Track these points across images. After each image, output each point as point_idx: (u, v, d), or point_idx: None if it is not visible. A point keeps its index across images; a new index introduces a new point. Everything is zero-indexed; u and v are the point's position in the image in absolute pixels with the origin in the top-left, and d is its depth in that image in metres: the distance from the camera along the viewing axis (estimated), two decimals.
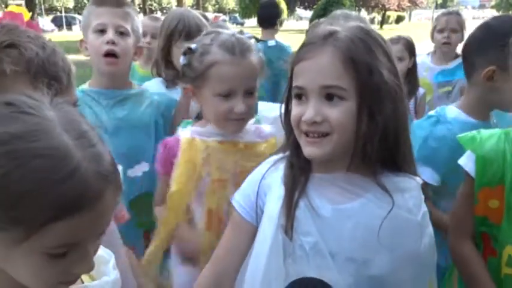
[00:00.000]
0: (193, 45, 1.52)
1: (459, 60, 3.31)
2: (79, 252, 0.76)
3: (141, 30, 1.98)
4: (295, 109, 1.09)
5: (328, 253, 1.04)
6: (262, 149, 1.55)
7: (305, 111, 1.05)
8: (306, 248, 1.05)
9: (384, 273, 1.04)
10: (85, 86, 1.94)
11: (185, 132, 1.58)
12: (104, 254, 0.99)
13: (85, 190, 0.70)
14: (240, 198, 1.22)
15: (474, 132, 1.41)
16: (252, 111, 1.53)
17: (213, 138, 1.55)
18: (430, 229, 1.10)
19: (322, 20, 2.05)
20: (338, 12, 2.05)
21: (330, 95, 1.03)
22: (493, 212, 1.34)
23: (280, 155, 1.21)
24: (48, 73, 1.10)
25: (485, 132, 1.39)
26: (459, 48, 3.39)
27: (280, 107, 1.18)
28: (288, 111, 1.15)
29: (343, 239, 1.04)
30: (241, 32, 1.58)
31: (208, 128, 1.57)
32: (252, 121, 1.63)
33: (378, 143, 1.04)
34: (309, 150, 1.07)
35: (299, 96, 1.08)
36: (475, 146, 1.36)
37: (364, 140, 1.03)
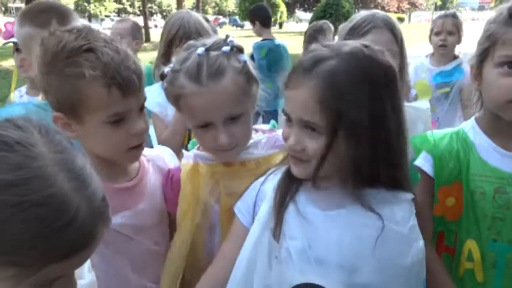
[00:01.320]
0: (166, 69, 1.31)
1: (457, 61, 3.36)
2: (65, 282, 0.76)
3: None
4: (284, 129, 1.14)
5: (313, 259, 1.06)
6: (279, 161, 1.31)
7: (290, 135, 1.10)
8: (291, 251, 1.07)
9: (372, 282, 1.04)
10: None
11: (188, 157, 1.41)
12: None
13: (82, 234, 0.71)
14: (241, 205, 1.25)
15: (427, 133, 1.47)
16: (241, 138, 1.32)
17: (219, 161, 1.37)
18: (419, 244, 1.10)
19: (320, 22, 1.97)
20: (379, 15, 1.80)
21: (310, 127, 1.06)
22: (450, 210, 1.40)
23: (281, 165, 1.24)
24: (122, 77, 1.17)
25: (437, 133, 1.45)
26: (457, 50, 3.43)
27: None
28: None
29: (331, 246, 1.06)
30: (224, 42, 1.29)
31: None
32: (266, 127, 1.50)
33: (367, 164, 1.06)
34: (293, 169, 1.14)
35: (288, 118, 1.12)
36: (430, 147, 1.42)
37: (351, 163, 1.06)
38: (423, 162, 1.43)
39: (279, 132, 1.39)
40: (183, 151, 1.47)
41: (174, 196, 1.40)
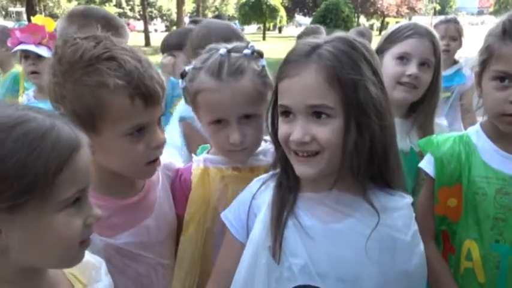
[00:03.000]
0: (187, 68, 1.36)
1: (457, 66, 3.37)
2: (85, 202, 0.87)
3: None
4: (283, 127, 1.07)
5: (316, 274, 1.03)
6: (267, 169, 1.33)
7: (293, 130, 1.03)
8: (294, 269, 1.04)
9: None
10: None
11: (198, 161, 1.42)
12: (94, 262, 1.02)
13: (68, 139, 0.82)
14: (232, 217, 1.19)
15: (432, 136, 1.52)
16: (252, 140, 1.33)
17: (228, 165, 1.38)
18: (420, 248, 1.10)
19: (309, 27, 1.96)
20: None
21: (317, 113, 1.02)
22: (452, 211, 1.42)
23: (271, 173, 1.20)
24: (147, 86, 1.13)
25: (441, 136, 1.49)
26: (457, 55, 3.44)
27: (267, 122, 1.16)
28: (274, 126, 1.14)
29: (333, 259, 1.04)
30: (245, 46, 1.34)
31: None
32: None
33: (366, 159, 1.04)
34: (300, 169, 1.06)
35: (286, 114, 1.06)
36: (433, 149, 1.45)
37: (352, 156, 1.03)
38: (426, 164, 1.46)
39: None
40: (193, 155, 1.48)
41: (182, 196, 1.40)
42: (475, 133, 1.44)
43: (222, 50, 1.31)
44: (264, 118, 1.26)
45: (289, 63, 1.06)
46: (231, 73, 1.27)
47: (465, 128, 3.34)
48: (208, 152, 1.46)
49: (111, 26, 1.84)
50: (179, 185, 1.43)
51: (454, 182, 1.40)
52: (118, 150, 1.17)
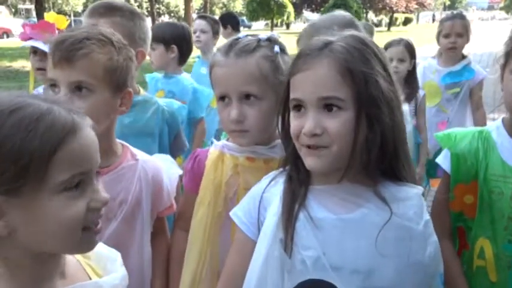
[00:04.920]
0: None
1: (466, 61, 3.35)
2: (89, 186, 0.87)
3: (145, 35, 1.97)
4: (294, 122, 1.08)
5: (330, 267, 1.02)
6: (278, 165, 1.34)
7: (304, 123, 1.04)
8: (307, 262, 1.03)
9: (389, 284, 1.02)
10: None
11: (216, 146, 1.45)
12: (110, 254, 1.05)
13: (64, 122, 0.84)
14: (242, 215, 1.19)
15: (450, 130, 1.49)
16: (253, 123, 1.34)
17: (243, 154, 1.39)
18: (434, 238, 1.09)
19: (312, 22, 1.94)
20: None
21: (328, 106, 1.02)
22: (468, 207, 1.40)
23: (280, 170, 1.20)
24: (66, 46, 1.30)
25: (460, 131, 1.47)
26: (466, 50, 3.41)
27: (278, 118, 1.17)
28: (284, 123, 1.14)
29: (346, 251, 1.03)
30: (269, 37, 1.39)
31: None
32: None
33: (377, 152, 1.03)
34: (310, 161, 1.06)
35: (298, 108, 1.07)
36: (450, 144, 1.43)
37: (362, 149, 1.03)
38: (443, 159, 1.44)
39: None
40: (213, 140, 1.50)
41: (196, 176, 1.43)
42: (496, 129, 1.41)
43: (242, 34, 1.39)
44: (273, 104, 1.30)
45: (302, 58, 1.07)
46: (238, 51, 1.33)
47: (475, 124, 3.32)
48: (228, 139, 1.48)
49: (134, 14, 1.91)
50: (193, 165, 1.46)
51: (471, 179, 1.38)
52: None
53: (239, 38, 1.38)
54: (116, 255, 1.06)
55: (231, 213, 1.21)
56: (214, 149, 1.43)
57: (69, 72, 1.31)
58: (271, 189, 1.16)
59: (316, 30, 1.63)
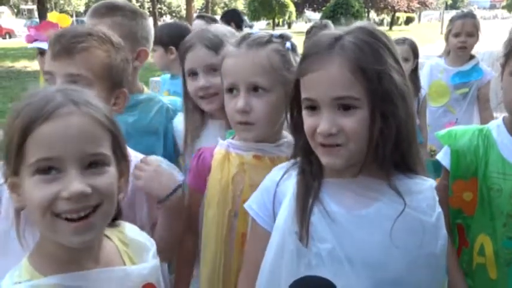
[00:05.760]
0: None
1: (474, 61, 3.32)
2: (66, 175, 0.87)
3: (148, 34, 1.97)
4: (308, 120, 1.07)
5: (344, 258, 1.03)
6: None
7: (319, 122, 1.04)
8: (322, 254, 1.04)
9: (401, 275, 1.03)
10: None
11: (221, 145, 1.44)
12: (146, 242, 1.10)
13: (44, 105, 0.89)
14: (257, 207, 1.19)
15: (451, 128, 1.51)
16: (259, 115, 1.34)
17: (250, 152, 1.39)
18: (444, 231, 1.10)
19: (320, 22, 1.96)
20: None
21: (343, 105, 1.02)
22: (467, 205, 1.41)
23: (292, 161, 1.20)
24: (66, 39, 1.34)
25: (460, 128, 1.49)
26: (474, 50, 3.39)
27: (286, 115, 1.18)
28: (293, 118, 1.15)
29: (359, 244, 1.04)
30: (281, 34, 1.41)
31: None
32: None
33: (392, 147, 1.04)
34: (327, 160, 1.07)
35: (311, 107, 1.07)
36: (451, 141, 1.45)
37: (378, 144, 1.03)
38: (443, 156, 1.46)
39: None
40: (219, 139, 1.49)
41: (200, 173, 1.44)
42: (496, 127, 1.43)
43: (254, 29, 1.42)
44: (281, 99, 1.32)
45: (312, 57, 1.06)
46: (251, 42, 1.36)
47: (483, 124, 3.30)
48: (233, 138, 1.48)
49: (136, 13, 1.92)
50: (197, 162, 1.47)
51: (470, 175, 1.40)
52: None
53: (252, 32, 1.40)
54: (151, 245, 1.10)
55: (245, 205, 1.22)
56: (219, 148, 1.43)
57: (67, 65, 1.32)
58: (285, 182, 1.16)
59: None
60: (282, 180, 1.17)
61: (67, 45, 1.31)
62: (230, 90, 1.37)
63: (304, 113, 1.09)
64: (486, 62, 3.44)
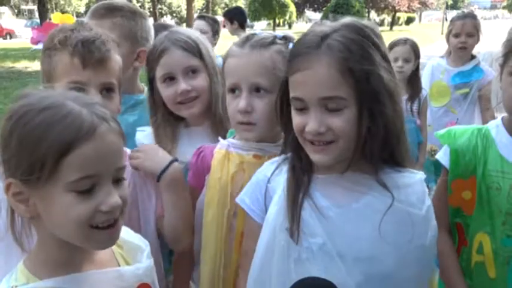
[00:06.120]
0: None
1: (475, 61, 3.33)
2: (102, 190, 0.91)
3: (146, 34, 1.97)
4: (297, 118, 1.08)
5: (335, 253, 1.04)
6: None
7: (307, 121, 1.05)
8: (313, 249, 1.05)
9: (392, 269, 1.04)
10: None
11: (222, 144, 1.44)
12: (141, 244, 1.11)
13: (81, 123, 0.89)
14: (249, 201, 1.20)
15: (450, 127, 1.52)
16: (261, 115, 1.34)
17: (250, 152, 1.39)
18: (434, 222, 1.11)
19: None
20: None
21: (330, 105, 1.03)
22: (466, 203, 1.42)
23: (283, 157, 1.21)
24: (84, 46, 1.31)
25: (459, 128, 1.50)
26: (475, 50, 3.40)
27: (277, 110, 1.19)
28: (283, 114, 1.16)
29: (350, 239, 1.05)
30: (285, 36, 1.41)
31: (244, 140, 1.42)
32: None
33: (380, 143, 1.05)
34: (317, 157, 1.08)
35: (299, 106, 1.07)
36: (450, 140, 1.46)
37: (366, 140, 1.04)
38: (442, 155, 1.47)
39: None
40: (220, 138, 1.49)
41: (199, 171, 1.44)
42: (495, 127, 1.44)
43: (258, 30, 1.42)
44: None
45: (300, 56, 1.06)
46: (253, 44, 1.35)
47: (483, 124, 3.30)
48: (234, 138, 1.48)
49: (136, 14, 1.91)
50: (197, 160, 1.47)
51: (469, 174, 1.40)
52: None
53: (256, 33, 1.40)
54: (145, 246, 1.11)
55: (237, 199, 1.23)
56: (220, 148, 1.43)
57: (101, 74, 1.32)
58: (276, 177, 1.17)
59: None
60: (273, 176, 1.18)
61: (100, 54, 1.30)
62: (232, 90, 1.37)
63: (293, 111, 1.09)
64: (487, 62, 3.45)
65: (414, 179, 1.11)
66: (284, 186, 1.13)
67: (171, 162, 1.41)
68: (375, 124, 1.03)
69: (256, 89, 1.34)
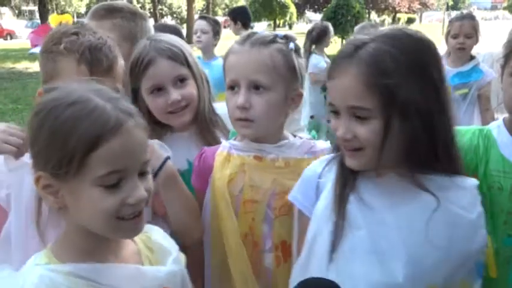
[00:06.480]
0: None
1: (474, 61, 3.35)
2: (129, 183, 0.93)
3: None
4: (333, 122, 1.13)
5: (376, 250, 1.06)
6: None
7: (338, 126, 1.09)
8: (356, 242, 1.07)
9: (435, 272, 1.05)
10: None
11: (224, 146, 1.45)
12: (169, 248, 1.12)
13: (107, 119, 0.90)
14: (301, 198, 1.24)
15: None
16: (259, 113, 1.34)
17: (250, 153, 1.40)
18: (483, 231, 1.10)
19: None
20: None
21: (356, 114, 1.05)
22: None
23: (334, 154, 1.24)
24: (92, 54, 1.29)
25: (462, 128, 1.48)
26: (473, 50, 3.41)
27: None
28: None
29: (393, 239, 1.06)
30: (286, 35, 1.41)
31: (245, 141, 1.43)
32: (307, 136, 1.55)
33: (414, 151, 1.06)
34: (348, 161, 1.13)
35: (334, 111, 1.11)
36: None
37: (399, 148, 1.06)
38: None
39: (318, 142, 1.48)
40: (222, 140, 1.49)
41: (201, 172, 1.45)
42: (497, 128, 1.45)
43: (260, 29, 1.41)
44: (281, 99, 1.34)
45: (333, 64, 1.11)
46: (254, 42, 1.36)
47: (483, 125, 3.31)
48: (235, 139, 1.48)
49: (136, 15, 1.92)
50: (199, 162, 1.48)
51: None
52: None
53: (257, 32, 1.41)
54: (174, 251, 1.12)
55: (290, 197, 1.26)
56: (221, 150, 1.44)
57: (107, 80, 1.31)
58: (327, 174, 1.21)
59: None
60: (324, 173, 1.22)
61: (109, 61, 1.30)
62: (232, 87, 1.37)
63: (331, 114, 1.14)
64: (487, 63, 3.46)
65: (466, 183, 1.12)
66: (333, 182, 1.17)
67: (164, 161, 1.40)
68: (403, 135, 1.04)
69: (255, 86, 1.34)
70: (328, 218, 1.12)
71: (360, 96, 1.03)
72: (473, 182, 1.13)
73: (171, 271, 1.06)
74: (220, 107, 1.64)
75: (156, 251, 1.10)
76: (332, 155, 1.25)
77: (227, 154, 1.42)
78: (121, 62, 1.37)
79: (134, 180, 0.95)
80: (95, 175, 0.90)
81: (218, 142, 1.54)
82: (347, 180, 1.15)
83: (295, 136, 1.50)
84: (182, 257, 1.14)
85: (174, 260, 1.09)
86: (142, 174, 0.97)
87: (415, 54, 1.05)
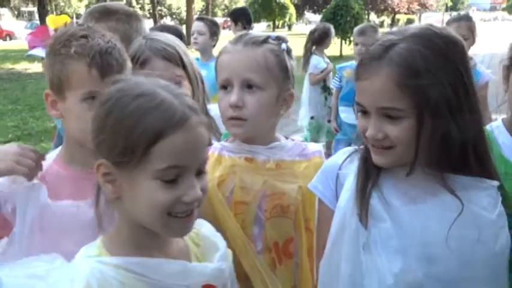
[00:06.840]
0: None
1: (471, 63, 3.32)
2: (186, 181, 0.94)
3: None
4: (360, 121, 1.13)
5: (397, 247, 1.06)
6: (302, 169, 1.39)
7: (368, 126, 1.09)
8: (381, 234, 1.07)
9: (455, 271, 1.05)
10: None
11: (215, 148, 1.44)
12: (218, 244, 1.12)
13: (173, 113, 0.92)
14: (322, 188, 1.24)
15: None
16: (251, 112, 1.33)
17: (241, 154, 1.39)
18: (506, 231, 1.09)
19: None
20: None
21: (388, 114, 1.05)
22: None
23: (355, 147, 1.24)
24: (103, 58, 1.27)
25: None
26: (470, 52, 3.41)
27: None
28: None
29: (414, 237, 1.06)
30: (278, 36, 1.43)
31: (236, 142, 1.42)
32: (299, 138, 1.54)
33: (445, 151, 1.06)
34: (376, 158, 1.12)
35: (363, 110, 1.11)
36: None
37: (431, 148, 1.05)
38: None
39: (310, 144, 1.48)
40: (213, 141, 1.47)
41: None
42: (496, 128, 1.44)
43: (252, 30, 1.40)
44: (273, 98, 1.34)
45: (363, 66, 1.09)
46: (247, 42, 1.36)
47: None
48: (227, 140, 1.47)
49: (130, 16, 1.91)
50: None
51: None
52: (75, 116, 1.26)
53: (250, 33, 1.42)
54: (222, 247, 1.12)
55: (310, 186, 1.27)
56: (212, 152, 1.42)
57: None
58: (348, 165, 1.21)
59: None
60: (345, 164, 1.22)
61: (118, 66, 1.29)
62: (224, 87, 1.37)
63: (358, 114, 1.14)
64: (487, 64, 3.48)
65: (487, 184, 1.11)
66: (355, 175, 1.17)
67: None
68: (436, 134, 1.04)
69: (248, 85, 1.33)
70: (352, 210, 1.12)
71: (392, 97, 1.03)
72: (493, 182, 1.12)
73: (217, 268, 1.06)
74: (214, 108, 1.64)
75: (204, 246, 1.11)
76: (354, 147, 1.25)
77: (218, 155, 1.41)
78: (129, 65, 1.36)
79: (191, 179, 0.95)
80: (155, 168, 0.91)
81: (210, 144, 1.54)
82: (369, 175, 1.14)
83: (287, 138, 1.50)
84: (230, 254, 1.14)
85: (221, 256, 1.09)
86: (199, 173, 0.97)
87: (445, 53, 1.04)
